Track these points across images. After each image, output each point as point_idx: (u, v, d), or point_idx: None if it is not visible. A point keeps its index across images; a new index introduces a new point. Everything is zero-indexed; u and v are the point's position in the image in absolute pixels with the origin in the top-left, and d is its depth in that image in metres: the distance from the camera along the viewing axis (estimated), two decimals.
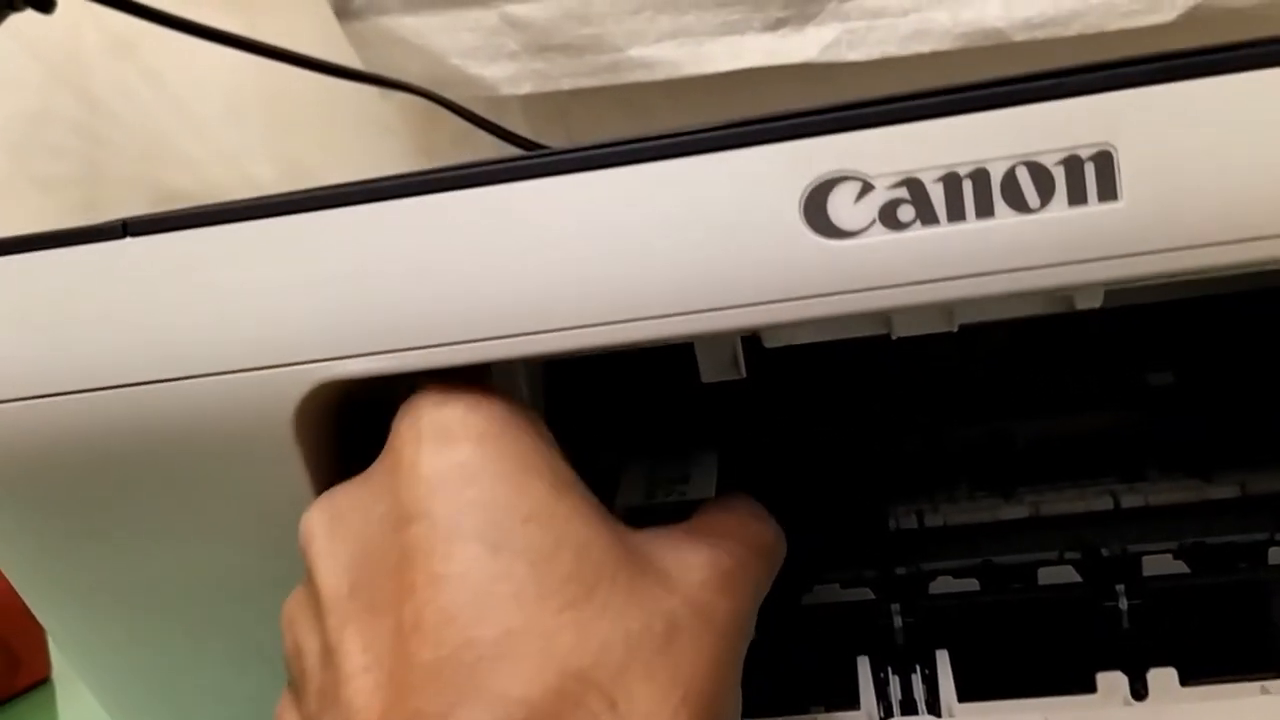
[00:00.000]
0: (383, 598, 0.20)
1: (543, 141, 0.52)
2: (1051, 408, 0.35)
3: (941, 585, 0.30)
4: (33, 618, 0.43)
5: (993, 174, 0.19)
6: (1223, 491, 0.32)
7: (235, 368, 0.21)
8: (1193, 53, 0.19)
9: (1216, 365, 0.34)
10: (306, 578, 0.22)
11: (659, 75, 0.47)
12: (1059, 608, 0.29)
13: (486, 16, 0.48)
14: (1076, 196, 0.19)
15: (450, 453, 0.21)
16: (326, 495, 0.22)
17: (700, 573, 0.22)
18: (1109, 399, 0.35)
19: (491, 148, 0.54)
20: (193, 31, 0.50)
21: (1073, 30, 0.44)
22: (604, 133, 0.54)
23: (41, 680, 0.44)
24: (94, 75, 0.56)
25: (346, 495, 0.22)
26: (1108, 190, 0.19)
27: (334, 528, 0.21)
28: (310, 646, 0.21)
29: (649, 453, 0.31)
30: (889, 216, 0.20)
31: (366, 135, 0.56)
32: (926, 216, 0.20)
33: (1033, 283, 0.19)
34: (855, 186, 0.20)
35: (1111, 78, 0.19)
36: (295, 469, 0.22)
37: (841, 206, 0.20)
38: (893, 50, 0.46)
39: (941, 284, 0.20)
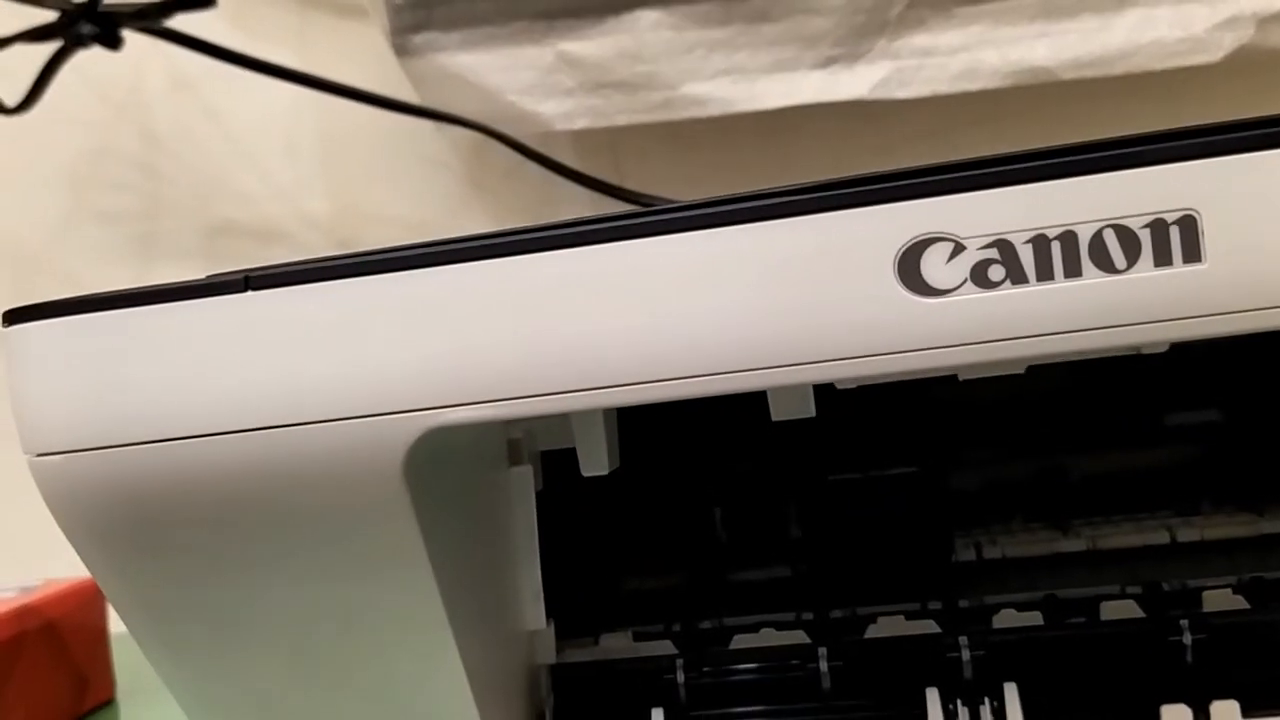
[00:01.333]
0: None
1: (589, 172, 0.53)
2: (1104, 443, 0.36)
3: (1006, 619, 0.31)
4: (100, 639, 0.44)
5: (1080, 236, 0.20)
6: (1277, 526, 0.33)
7: (349, 415, 0.22)
8: (1271, 122, 0.20)
9: (1267, 400, 0.35)
10: None
11: (712, 112, 0.48)
12: (1123, 642, 0.29)
13: (543, 54, 0.49)
14: (1162, 259, 0.20)
15: None
16: None
17: None
18: (1162, 434, 0.36)
19: (540, 181, 0.55)
20: (253, 66, 0.52)
21: (1119, 70, 0.45)
22: (651, 164, 0.55)
23: (107, 701, 0.45)
24: (155, 112, 0.58)
25: None
26: (1192, 253, 0.20)
27: None
28: None
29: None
30: (980, 276, 0.21)
31: (419, 170, 0.58)
32: (1016, 276, 0.21)
33: (1119, 340, 0.20)
34: (948, 247, 0.21)
35: (1196, 146, 0.20)
36: (404, 512, 0.23)
37: (934, 266, 0.21)
38: (942, 88, 0.47)
39: (1030, 340, 0.21)
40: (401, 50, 0.50)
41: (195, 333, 0.23)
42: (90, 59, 0.50)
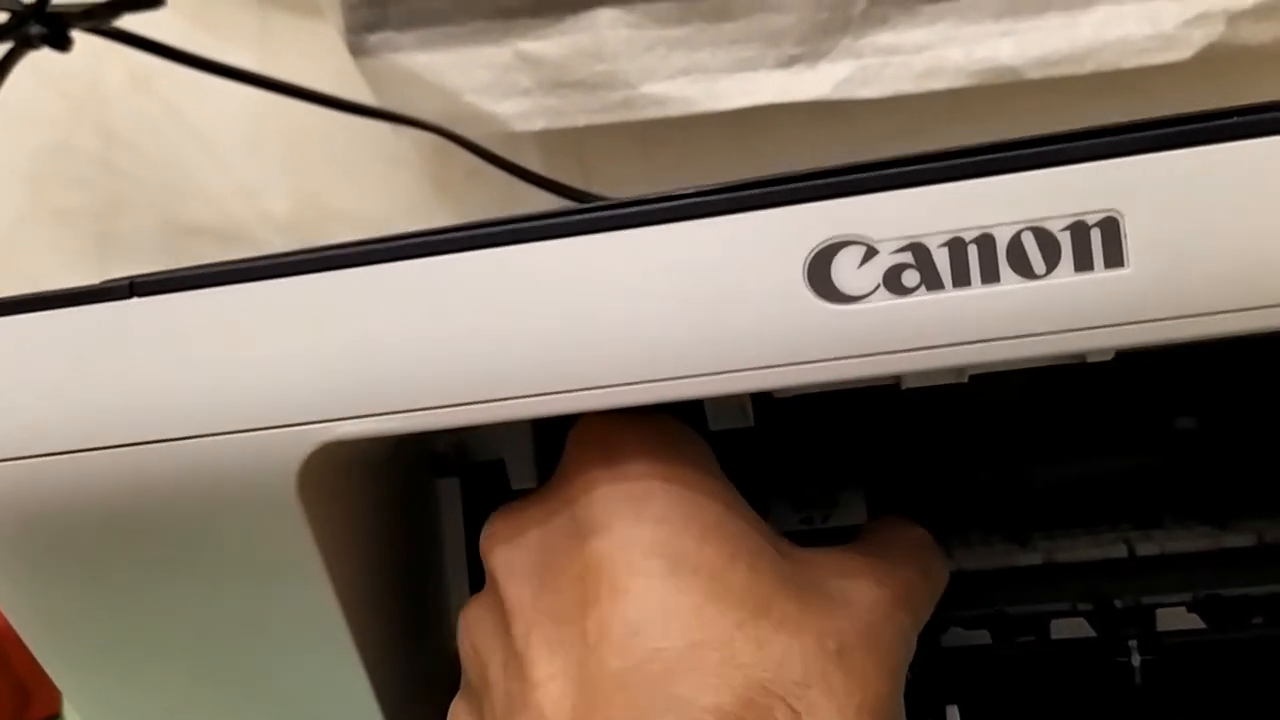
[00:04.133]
0: (566, 607, 0.21)
1: (556, 177, 0.52)
2: (1067, 451, 0.35)
3: (953, 637, 0.30)
4: None
5: (998, 239, 0.19)
6: (1238, 540, 0.32)
7: (240, 428, 0.21)
8: (1197, 118, 0.19)
9: (1235, 410, 0.34)
10: (488, 586, 0.23)
11: (672, 111, 0.47)
12: (1071, 661, 0.28)
13: (500, 54, 0.48)
14: (1083, 263, 0.19)
15: (626, 468, 0.22)
16: (504, 509, 0.24)
17: (869, 594, 0.23)
18: (1125, 443, 0.35)
19: (504, 181, 0.54)
20: (211, 69, 0.51)
21: (1087, 68, 0.44)
22: (618, 165, 0.54)
23: (53, 716, 0.44)
24: (114, 109, 0.57)
25: (524, 510, 0.24)
26: (1114, 257, 0.19)
27: (514, 539, 0.23)
28: (493, 652, 0.22)
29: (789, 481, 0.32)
30: (893, 281, 0.20)
31: (381, 168, 0.56)
32: (931, 282, 0.19)
33: (1038, 349, 0.19)
34: (859, 251, 0.20)
35: (1118, 144, 0.19)
36: (299, 527, 0.22)
37: (845, 271, 0.20)
38: (906, 87, 0.45)
39: (947, 349, 0.20)
40: (357, 50, 0.49)
41: (79, 342, 0.22)
42: (48, 55, 0.49)
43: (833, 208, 0.20)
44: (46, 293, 0.22)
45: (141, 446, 0.22)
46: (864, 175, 0.20)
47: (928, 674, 0.28)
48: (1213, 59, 0.43)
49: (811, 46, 0.46)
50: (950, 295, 0.19)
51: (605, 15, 0.47)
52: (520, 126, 0.48)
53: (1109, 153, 0.19)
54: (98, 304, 0.22)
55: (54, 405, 0.22)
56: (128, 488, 0.22)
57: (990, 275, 0.19)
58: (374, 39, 0.49)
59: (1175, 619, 0.29)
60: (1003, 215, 0.19)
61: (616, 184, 0.52)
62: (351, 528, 0.24)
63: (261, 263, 0.22)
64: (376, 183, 0.56)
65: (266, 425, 0.21)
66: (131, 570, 0.23)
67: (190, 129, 0.57)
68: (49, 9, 0.47)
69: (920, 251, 0.19)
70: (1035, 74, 0.44)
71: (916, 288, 0.19)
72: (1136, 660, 0.27)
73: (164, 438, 0.22)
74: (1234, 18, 0.43)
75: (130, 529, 0.22)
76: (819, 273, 0.20)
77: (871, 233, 0.20)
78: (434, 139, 0.52)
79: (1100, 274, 0.19)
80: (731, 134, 0.52)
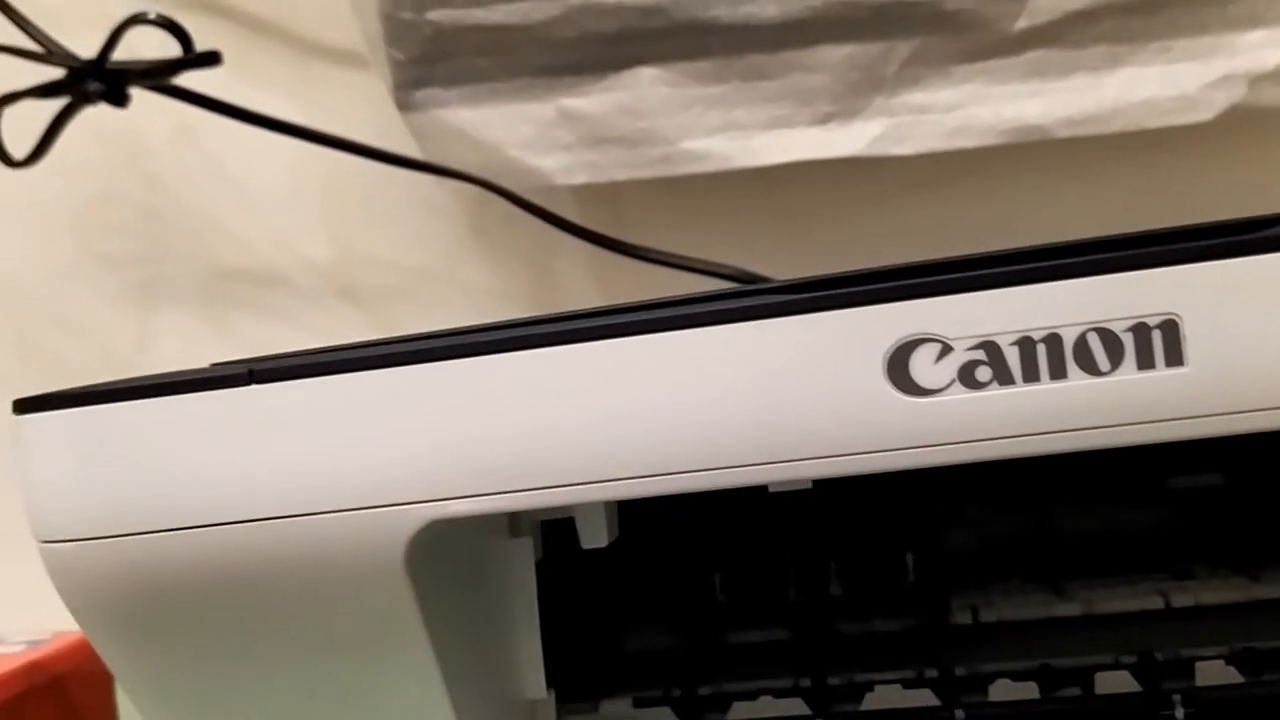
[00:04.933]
0: None
1: (591, 224, 0.54)
2: (1099, 503, 0.36)
3: (1001, 690, 0.31)
4: (107, 695, 0.44)
5: (1065, 339, 0.21)
6: (1271, 591, 0.33)
7: (351, 506, 0.23)
8: (1252, 225, 0.21)
9: (1263, 461, 0.35)
10: None
11: (709, 168, 0.49)
12: (1117, 715, 0.30)
13: (543, 110, 0.49)
14: (1145, 362, 0.21)
15: None
16: None
17: None
18: (1157, 495, 0.36)
19: (540, 230, 0.55)
20: (255, 122, 0.52)
21: (1112, 128, 0.46)
22: (652, 212, 0.55)
23: None
24: (158, 158, 0.58)
25: None
26: (1174, 357, 0.21)
27: None
28: None
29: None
30: (968, 376, 0.21)
31: (419, 216, 0.58)
32: (1003, 377, 0.21)
33: (1102, 441, 0.21)
34: (936, 348, 0.21)
35: (1177, 252, 0.21)
36: (406, 599, 0.23)
37: (923, 366, 0.21)
38: (937, 145, 0.47)
39: (1017, 440, 0.21)
40: (404, 105, 0.51)
41: (200, 425, 0.23)
42: (94, 108, 0.51)
43: (911, 308, 0.21)
44: (170, 378, 0.23)
45: (260, 523, 0.23)
46: (939, 278, 0.21)
47: None
48: (1236, 119, 0.45)
49: (845, 105, 0.48)
50: (1021, 390, 0.21)
51: (645, 74, 0.49)
52: (562, 181, 0.50)
53: (1169, 260, 0.21)
54: (218, 390, 0.23)
55: (178, 484, 0.23)
56: (245, 561, 0.23)
57: (1058, 372, 0.21)
58: (420, 95, 0.50)
59: (1214, 673, 0.30)
60: (1070, 317, 0.21)
61: (650, 231, 0.54)
62: (447, 594, 0.25)
63: (370, 352, 0.23)
64: (414, 230, 0.58)
65: (377, 504, 0.23)
66: (242, 639, 0.24)
67: (231, 178, 0.58)
68: (109, 66, 0.49)
69: (992, 349, 0.21)
70: (1062, 133, 0.46)
71: (989, 382, 0.21)
72: (1181, 714, 0.29)
73: (279, 515, 0.23)
74: (1256, 80, 0.45)
75: (244, 600, 0.24)
76: (898, 367, 0.21)
77: (947, 331, 0.21)
78: (472, 188, 0.54)
79: (1161, 372, 0.21)
80: (762, 184, 0.54)
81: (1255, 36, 0.45)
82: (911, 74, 0.47)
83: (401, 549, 0.23)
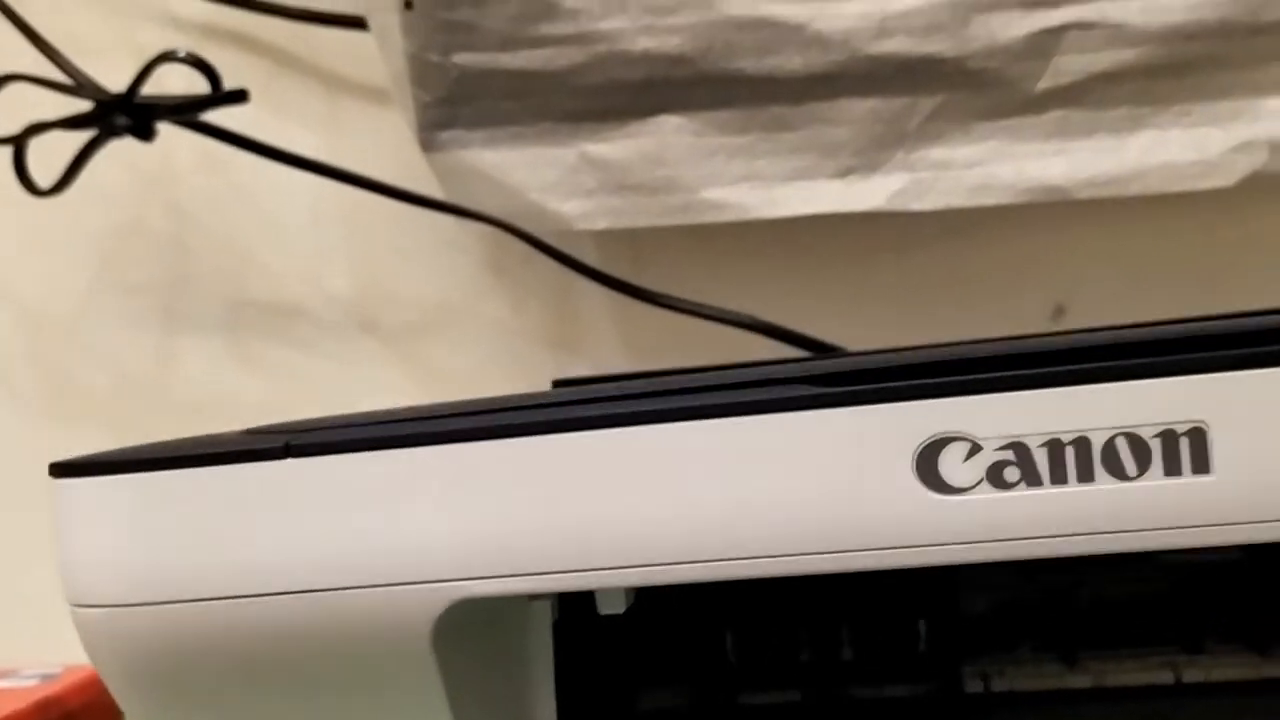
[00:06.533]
0: None
1: (609, 267, 0.54)
2: (1113, 573, 0.37)
3: None
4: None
5: (1094, 443, 0.21)
6: (1275, 670, 0.34)
7: (384, 582, 0.23)
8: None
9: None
10: None
11: (730, 217, 0.49)
12: None
13: (566, 155, 0.50)
14: (1172, 468, 0.21)
15: None
16: None
17: None
18: (1169, 567, 0.36)
19: (559, 270, 0.56)
20: (279, 158, 0.53)
21: (1132, 190, 0.46)
22: (670, 257, 0.56)
23: None
24: (183, 188, 0.59)
25: None
26: (1200, 464, 0.21)
27: None
28: None
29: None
30: (996, 476, 0.21)
31: (439, 252, 0.59)
32: (1031, 478, 0.21)
33: (1127, 545, 0.21)
34: (965, 446, 0.22)
35: (1208, 360, 0.21)
36: (431, 673, 0.24)
37: (952, 464, 0.22)
38: (957, 202, 0.48)
39: (1043, 541, 0.21)
40: (428, 146, 0.51)
41: (235, 497, 0.24)
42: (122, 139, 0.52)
43: (942, 405, 0.22)
44: (207, 447, 0.24)
45: (290, 596, 0.23)
46: (971, 377, 0.21)
47: None
48: (1258, 186, 0.45)
49: (867, 159, 0.48)
50: (1048, 492, 0.21)
51: (669, 122, 0.49)
52: (582, 226, 0.50)
53: (1200, 368, 0.21)
54: (255, 462, 0.24)
55: (211, 555, 0.24)
56: (275, 632, 0.24)
57: (1086, 475, 0.21)
58: (444, 136, 0.51)
59: None
60: (1098, 421, 0.21)
61: (667, 276, 0.54)
62: (471, 665, 0.26)
63: (408, 429, 0.23)
64: (434, 266, 0.58)
65: (408, 581, 0.23)
66: (267, 707, 0.25)
67: (256, 208, 0.59)
68: (137, 100, 0.50)
69: (1021, 450, 0.21)
70: (1083, 194, 0.46)
71: (1017, 483, 0.21)
72: None
73: (313, 588, 0.23)
74: (1278, 146, 0.45)
75: (272, 670, 0.24)
76: (927, 465, 0.22)
77: (976, 430, 0.21)
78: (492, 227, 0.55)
79: (1187, 479, 0.21)
80: (781, 229, 0.54)
81: (1277, 103, 0.45)
82: (934, 130, 0.47)
83: (429, 626, 0.23)
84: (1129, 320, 0.43)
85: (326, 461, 0.23)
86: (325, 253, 0.59)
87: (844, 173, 0.48)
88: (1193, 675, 0.34)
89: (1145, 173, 0.46)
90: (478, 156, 0.51)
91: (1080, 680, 0.34)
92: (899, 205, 0.48)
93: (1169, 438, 0.21)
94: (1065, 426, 0.21)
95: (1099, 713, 0.33)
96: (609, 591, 0.30)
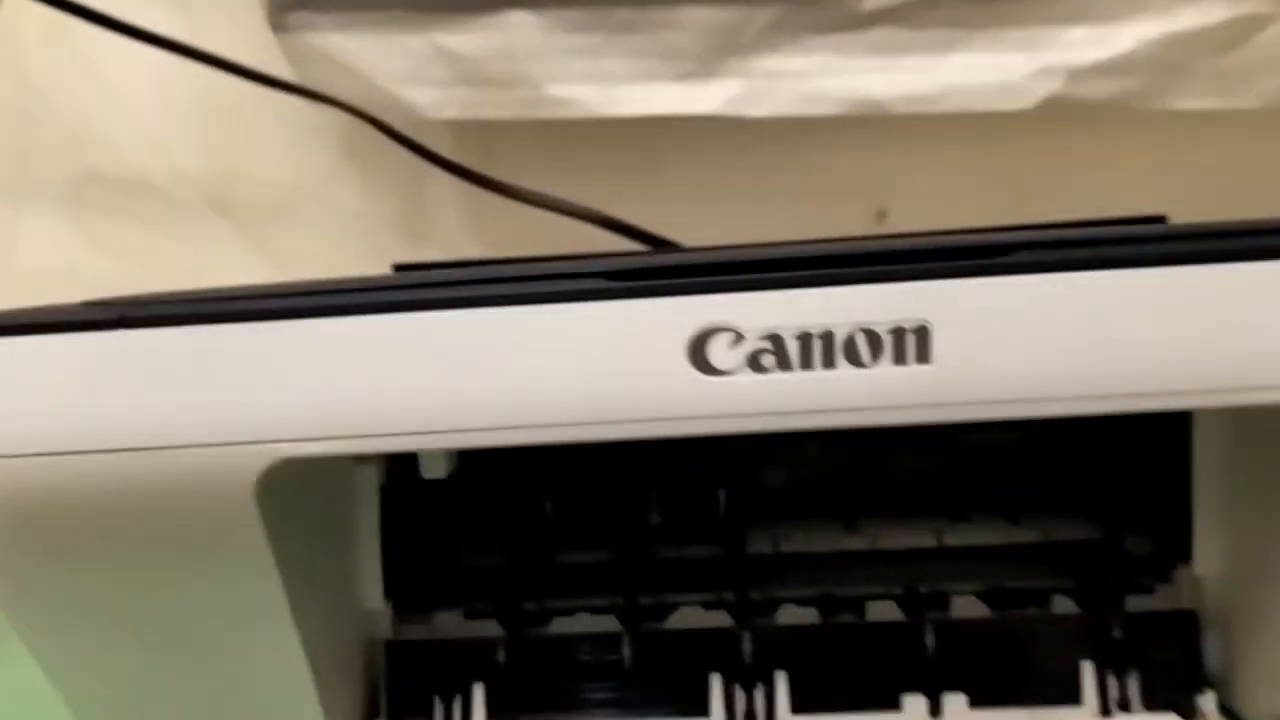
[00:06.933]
0: None
1: (462, 158, 0.56)
2: (898, 450, 0.41)
3: (787, 614, 0.36)
4: None
5: (837, 336, 0.25)
6: (1027, 536, 0.39)
7: (209, 441, 0.26)
8: (999, 249, 0.25)
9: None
10: None
11: (574, 113, 0.51)
12: (880, 638, 0.35)
13: (417, 44, 0.51)
14: (900, 358, 0.25)
15: None
16: None
17: None
18: (943, 445, 0.41)
19: (412, 158, 0.57)
20: (131, 34, 0.53)
21: (942, 108, 0.50)
22: (521, 150, 0.58)
23: None
24: (29, 59, 0.58)
25: None
26: (923, 356, 0.25)
27: None
28: None
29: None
30: (755, 362, 0.25)
31: (294, 134, 0.59)
32: (784, 364, 0.25)
33: (859, 420, 0.25)
34: (730, 336, 0.25)
35: (934, 269, 0.25)
36: (257, 534, 0.26)
37: (719, 351, 0.25)
38: (787, 110, 0.51)
39: (791, 416, 0.25)
40: (278, 26, 0.52)
41: (73, 363, 0.26)
42: None
43: (711, 301, 0.25)
44: (48, 317, 0.26)
45: (125, 453, 0.26)
46: (737, 277, 0.25)
47: (763, 646, 0.34)
48: (1054, 108, 0.49)
49: (706, 64, 0.51)
50: (798, 375, 0.25)
51: (518, 18, 0.50)
52: (432, 114, 0.52)
53: (927, 275, 0.25)
54: (93, 332, 0.25)
55: (50, 414, 0.26)
56: (112, 487, 0.26)
57: (829, 363, 0.25)
58: (294, 17, 0.51)
59: (967, 606, 0.35)
60: (841, 318, 0.25)
61: (518, 169, 0.56)
62: (296, 522, 0.28)
63: (234, 306, 0.26)
64: (288, 148, 0.59)
65: (232, 441, 0.26)
66: (109, 556, 0.27)
67: (104, 82, 0.58)
68: None
69: (777, 340, 0.25)
70: (900, 109, 0.50)
71: (773, 368, 0.25)
72: (931, 639, 0.34)
73: (145, 446, 0.26)
74: (1074, 73, 0.49)
75: (111, 524, 0.26)
76: (698, 351, 0.25)
77: (740, 323, 0.25)
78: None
79: (912, 368, 0.25)
80: (631, 128, 0.57)
81: (1077, 33, 0.49)
82: (768, 41, 0.50)
83: (252, 482, 0.26)
84: (941, 225, 0.48)
85: (159, 333, 0.25)
86: (174, 129, 0.59)
87: (683, 77, 0.51)
88: (953, 539, 0.39)
89: (955, 92, 0.50)
90: (328, 40, 0.51)
91: (858, 543, 0.39)
92: (733, 110, 0.51)
93: (898, 333, 0.25)
94: (814, 322, 0.25)
95: (869, 572, 0.38)
96: (431, 457, 0.33)
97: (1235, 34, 0.48)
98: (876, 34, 0.49)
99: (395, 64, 0.51)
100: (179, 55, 0.53)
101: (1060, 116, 0.50)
